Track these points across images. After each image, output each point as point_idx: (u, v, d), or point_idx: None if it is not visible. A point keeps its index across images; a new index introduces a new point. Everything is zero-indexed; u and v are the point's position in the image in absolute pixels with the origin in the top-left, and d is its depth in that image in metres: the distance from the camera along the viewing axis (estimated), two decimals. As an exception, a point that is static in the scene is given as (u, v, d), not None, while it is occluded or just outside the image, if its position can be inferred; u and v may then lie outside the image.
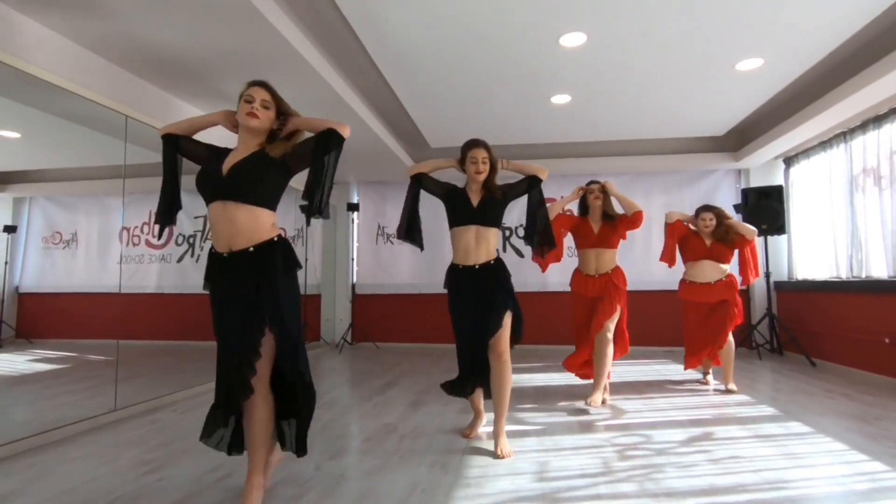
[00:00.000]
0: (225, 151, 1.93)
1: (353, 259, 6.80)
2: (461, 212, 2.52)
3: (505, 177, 2.56)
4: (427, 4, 2.97)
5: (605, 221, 3.35)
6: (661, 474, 2.14)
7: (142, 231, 6.40)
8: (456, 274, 2.55)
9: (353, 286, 6.76)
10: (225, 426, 1.84)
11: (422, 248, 2.72)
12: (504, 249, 6.56)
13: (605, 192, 3.35)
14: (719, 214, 3.80)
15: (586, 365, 3.52)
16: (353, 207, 6.56)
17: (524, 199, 2.65)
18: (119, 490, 2.01)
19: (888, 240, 4.14)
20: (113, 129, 3.66)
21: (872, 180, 4.37)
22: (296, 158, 1.87)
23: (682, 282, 3.95)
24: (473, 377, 2.56)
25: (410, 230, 2.66)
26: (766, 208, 5.20)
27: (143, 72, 3.37)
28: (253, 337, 1.74)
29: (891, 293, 4.03)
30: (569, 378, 4.37)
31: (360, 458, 2.38)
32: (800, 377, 4.28)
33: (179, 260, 6.57)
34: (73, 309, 6.08)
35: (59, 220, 6.09)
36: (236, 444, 1.87)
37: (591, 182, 3.44)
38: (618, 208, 3.43)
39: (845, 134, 4.68)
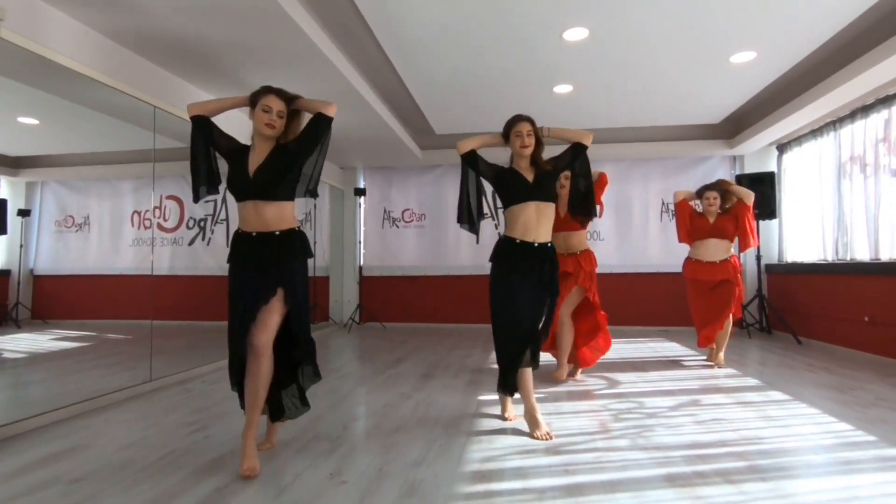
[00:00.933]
0: (245, 149, 2.13)
1: (360, 242, 7.02)
2: (518, 189, 2.45)
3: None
4: (441, 4, 3.14)
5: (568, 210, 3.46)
6: (651, 433, 2.41)
7: (153, 215, 6.61)
8: (514, 249, 2.45)
9: (361, 268, 7.00)
10: (241, 390, 2.10)
11: (478, 237, 2.71)
12: (498, 227, 6.79)
13: (570, 178, 3.43)
14: (722, 191, 3.92)
15: (552, 346, 3.64)
16: (360, 192, 6.76)
17: None
18: (172, 445, 2.27)
19: (871, 224, 4.38)
20: (131, 116, 3.84)
21: (859, 167, 4.59)
22: (301, 150, 2.11)
23: (688, 260, 4.08)
24: (528, 357, 2.45)
25: (470, 215, 2.59)
26: (759, 194, 5.42)
27: (166, 62, 3.53)
28: (264, 295, 2.01)
29: (871, 275, 4.28)
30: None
31: (381, 420, 2.65)
32: (786, 353, 4.55)
33: (191, 243, 6.80)
34: (88, 290, 6.32)
35: (72, 204, 6.30)
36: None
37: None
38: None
39: (835, 123, 4.88)
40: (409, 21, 3.40)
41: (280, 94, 2.11)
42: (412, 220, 7.03)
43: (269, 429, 2.24)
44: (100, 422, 2.64)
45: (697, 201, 4.09)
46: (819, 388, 3.26)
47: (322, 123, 2.11)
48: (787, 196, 5.79)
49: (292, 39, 3.17)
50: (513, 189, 2.47)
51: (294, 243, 2.10)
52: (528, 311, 2.42)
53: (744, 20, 3.39)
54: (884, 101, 4.22)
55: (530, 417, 2.41)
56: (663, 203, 6.49)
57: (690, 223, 4.00)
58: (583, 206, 2.66)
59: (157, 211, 6.63)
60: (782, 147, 5.89)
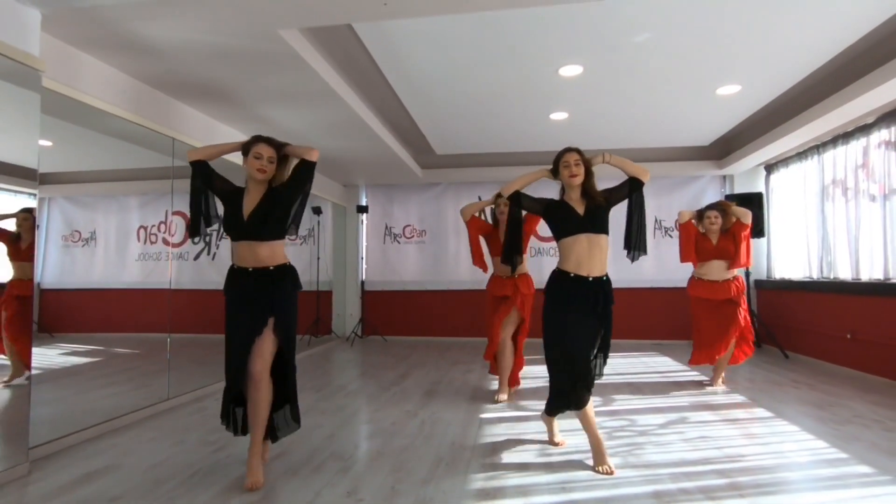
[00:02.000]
0: (239, 191, 2.35)
1: (362, 258, 7.22)
2: (568, 222, 2.46)
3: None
4: (442, 40, 3.36)
5: None
6: (642, 450, 2.60)
7: (158, 230, 6.79)
8: (568, 282, 2.45)
9: (363, 283, 7.19)
10: (234, 415, 2.32)
11: (514, 269, 2.90)
12: (504, 249, 7.00)
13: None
14: (723, 210, 3.97)
15: (495, 361, 3.84)
16: (362, 209, 6.96)
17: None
18: (197, 464, 2.45)
19: (852, 245, 4.61)
20: (145, 142, 4.04)
21: (840, 191, 4.82)
22: (290, 194, 2.33)
23: (692, 279, 4.10)
24: (585, 389, 2.43)
25: (513, 253, 2.71)
26: (747, 213, 5.65)
27: (188, 98, 3.73)
28: (258, 326, 2.23)
29: (853, 293, 4.50)
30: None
31: (389, 438, 2.83)
32: (773, 368, 4.76)
33: (196, 258, 6.98)
34: (94, 304, 6.49)
35: (79, 219, 6.48)
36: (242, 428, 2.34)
37: (499, 195, 3.55)
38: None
39: (818, 147, 5.12)
40: (413, 57, 3.61)
41: (269, 142, 2.32)
42: (413, 236, 7.23)
43: (263, 446, 2.37)
44: (127, 440, 2.82)
45: (693, 221, 4.15)
46: (801, 405, 3.46)
47: (306, 169, 2.33)
48: (775, 215, 6.02)
49: (305, 78, 3.38)
50: (564, 222, 2.47)
51: (286, 277, 2.33)
52: (581, 345, 2.42)
53: (728, 57, 3.62)
54: (862, 130, 4.46)
55: (596, 451, 2.39)
56: (656, 220, 6.71)
57: (696, 243, 4.03)
58: (635, 242, 2.57)
59: (164, 226, 6.81)
60: (770, 168, 6.12)
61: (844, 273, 4.75)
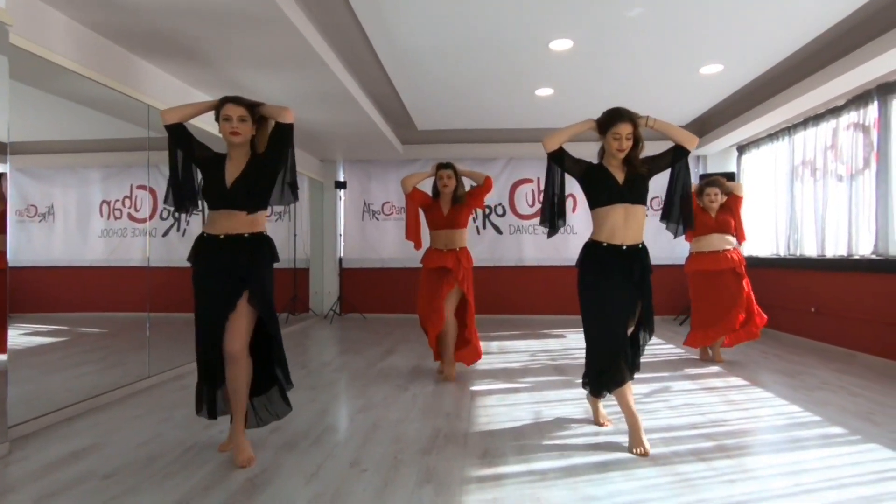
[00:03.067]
0: (221, 158, 2.20)
1: (340, 234, 7.10)
2: (606, 190, 2.32)
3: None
4: (435, 9, 3.27)
5: (454, 205, 3.50)
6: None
7: (123, 205, 6.48)
8: (601, 252, 2.33)
9: (341, 260, 7.10)
10: (210, 397, 2.20)
11: (553, 232, 2.56)
12: (484, 227, 7.02)
13: (456, 175, 3.50)
14: (723, 186, 3.91)
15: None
16: (340, 185, 6.82)
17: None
18: (190, 440, 2.39)
19: (818, 224, 4.83)
20: (107, 107, 3.78)
21: (809, 171, 5.02)
22: (273, 160, 2.18)
23: (690, 255, 4.04)
24: (625, 365, 2.28)
25: (554, 218, 2.49)
26: (720, 193, 5.83)
27: (158, 59, 3.52)
28: (232, 300, 2.07)
29: (817, 269, 4.73)
30: (546, 344, 4.95)
31: (384, 411, 2.83)
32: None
33: (165, 234, 6.72)
34: (54, 282, 6.18)
35: (34, 193, 6.11)
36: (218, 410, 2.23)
37: (441, 167, 3.52)
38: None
39: (789, 129, 5.30)
40: (403, 26, 3.51)
41: (237, 100, 2.16)
42: (392, 213, 7.15)
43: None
44: (108, 419, 2.72)
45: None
46: (772, 374, 3.64)
47: (282, 133, 2.18)
48: (745, 194, 6.22)
49: (289, 42, 3.21)
50: (601, 189, 2.34)
51: (263, 248, 2.18)
52: (620, 318, 2.30)
53: (714, 37, 3.68)
54: (832, 112, 4.63)
55: (634, 433, 2.26)
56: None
57: (696, 219, 3.87)
58: (678, 214, 2.43)
59: (128, 201, 6.51)
60: (742, 148, 6.31)
61: (810, 250, 4.99)
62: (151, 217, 6.88)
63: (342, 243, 7.13)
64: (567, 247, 6.91)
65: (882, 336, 3.95)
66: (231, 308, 2.08)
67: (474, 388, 3.33)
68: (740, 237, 4.01)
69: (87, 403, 2.90)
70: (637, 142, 2.34)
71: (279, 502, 1.81)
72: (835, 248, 4.65)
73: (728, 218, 3.98)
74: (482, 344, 4.90)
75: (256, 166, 2.17)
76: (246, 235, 2.14)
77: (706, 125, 6.08)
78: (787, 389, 3.22)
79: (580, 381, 3.43)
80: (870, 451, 2.23)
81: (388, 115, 5.87)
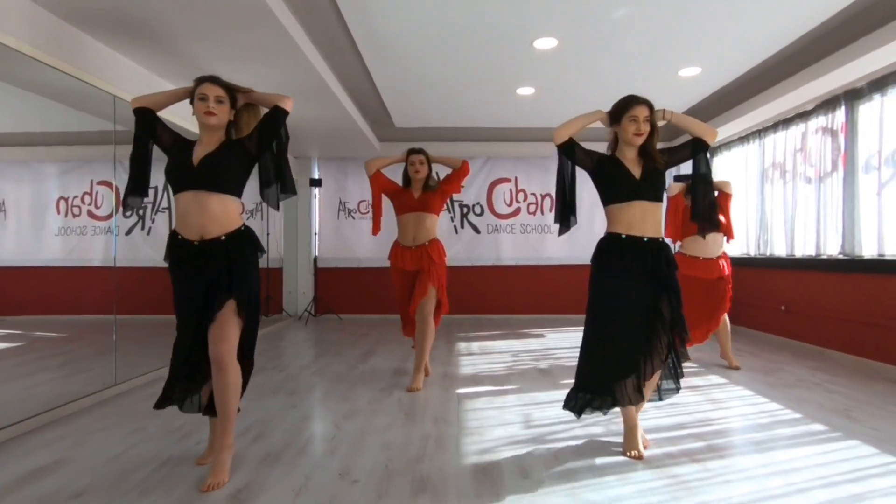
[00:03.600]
0: (190, 144, 2.03)
1: (315, 233, 6.92)
2: (622, 186, 2.15)
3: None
4: (420, 6, 3.19)
5: (425, 191, 3.31)
6: (620, 419, 2.67)
7: (82, 201, 6.14)
8: (619, 244, 2.14)
9: (316, 260, 6.92)
10: (182, 395, 2.06)
11: (566, 229, 2.37)
12: (462, 226, 6.97)
13: (428, 161, 3.33)
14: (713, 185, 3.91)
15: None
16: (315, 183, 6.65)
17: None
18: (165, 453, 2.24)
19: (787, 224, 4.98)
20: (64, 97, 3.53)
21: (779, 173, 5.17)
22: (255, 145, 2.03)
23: (681, 256, 3.85)
24: (625, 381, 2.12)
25: (566, 214, 2.31)
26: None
27: (123, 47, 3.31)
28: (217, 307, 1.90)
29: (787, 269, 4.88)
30: (528, 344, 4.94)
31: (370, 417, 2.74)
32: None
33: (128, 233, 6.40)
34: (3, 283, 5.81)
35: (-19, 189, 5.73)
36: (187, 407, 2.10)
37: (412, 152, 3.35)
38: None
39: (760, 132, 5.45)
40: (386, 19, 3.41)
41: (213, 79, 2.01)
42: (368, 212, 7.01)
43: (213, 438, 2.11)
44: (72, 432, 2.53)
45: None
46: (748, 371, 3.72)
47: (279, 117, 2.05)
48: (734, 191, 6.37)
49: (264, 27, 3.03)
50: (616, 185, 2.17)
51: (245, 247, 1.99)
52: (629, 322, 2.09)
53: (694, 41, 3.73)
54: (801, 116, 4.78)
55: (630, 436, 2.19)
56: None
57: (683, 219, 3.82)
58: (702, 213, 2.30)
59: (88, 197, 6.17)
60: (713, 150, 6.46)
61: (780, 250, 5.14)
62: (113, 215, 6.54)
63: (317, 242, 6.96)
64: (545, 246, 6.94)
65: (850, 334, 4.10)
66: (217, 311, 1.92)
67: (460, 390, 3.27)
68: (729, 235, 4.00)
69: (47, 415, 2.69)
70: (653, 129, 2.17)
71: (267, 519, 1.70)
72: (803, 248, 4.81)
73: (718, 217, 3.89)
74: (463, 344, 4.87)
75: (231, 147, 2.02)
76: (223, 239, 1.94)
77: (679, 128, 6.19)
78: (766, 387, 3.29)
79: (565, 382, 3.45)
80: (853, 447, 2.28)
81: (366, 111, 5.74)
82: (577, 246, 6.91)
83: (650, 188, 2.16)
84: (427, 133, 6.52)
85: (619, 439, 2.37)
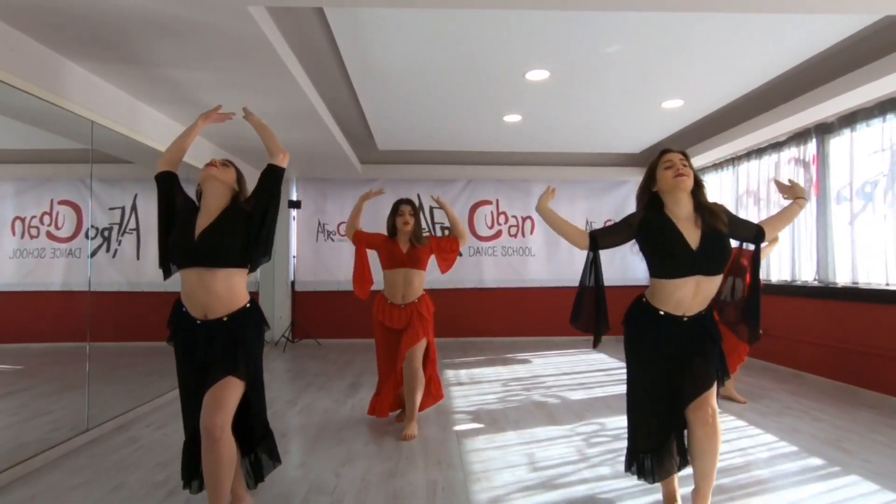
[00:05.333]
0: (195, 209, 1.96)
1: (293, 256, 6.73)
2: (678, 257, 1.83)
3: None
4: (415, 33, 3.16)
5: (413, 245, 3.13)
6: (622, 455, 2.66)
7: (41, 222, 5.79)
8: (655, 322, 1.90)
9: (293, 283, 6.72)
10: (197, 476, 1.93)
11: (597, 342, 2.03)
12: (443, 248, 6.92)
13: (415, 214, 3.14)
14: None
15: (395, 404, 3.27)
16: (294, 204, 6.48)
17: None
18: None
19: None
20: (24, 114, 3.32)
21: (753, 200, 5.37)
22: (256, 208, 1.94)
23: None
24: (670, 447, 1.93)
25: (602, 323, 1.99)
26: (671, 218, 6.10)
27: (103, 71, 3.14)
28: (216, 377, 1.81)
29: (764, 294, 5.01)
30: (515, 371, 4.90)
31: (370, 462, 2.62)
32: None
33: (92, 255, 6.05)
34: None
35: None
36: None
37: (402, 202, 3.18)
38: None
39: (734, 160, 5.65)
40: (379, 46, 3.36)
41: (223, 161, 2.00)
42: (348, 234, 6.89)
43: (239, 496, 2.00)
44: (46, 490, 2.31)
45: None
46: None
47: (276, 175, 1.98)
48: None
49: (262, 61, 2.98)
50: (669, 255, 1.85)
51: (248, 327, 1.88)
52: (659, 393, 1.91)
53: (680, 73, 3.83)
54: (774, 147, 4.98)
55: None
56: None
57: None
58: (756, 317, 2.07)
59: (47, 217, 5.82)
60: (688, 176, 6.66)
61: (755, 274, 5.30)
62: (75, 236, 6.18)
63: (294, 265, 6.76)
64: (526, 269, 6.96)
65: (827, 358, 4.24)
66: (213, 382, 1.80)
67: (457, 428, 3.19)
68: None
69: (10, 473, 2.43)
70: (700, 183, 1.92)
71: None
72: (779, 274, 4.98)
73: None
74: (451, 372, 4.78)
75: (231, 214, 1.91)
76: (225, 320, 1.84)
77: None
78: (756, 416, 3.35)
79: (559, 415, 3.42)
80: (854, 484, 2.33)
81: (349, 133, 5.65)
82: (559, 268, 6.97)
83: (711, 258, 1.83)
84: (409, 156, 6.48)
85: (632, 483, 2.33)
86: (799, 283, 4.68)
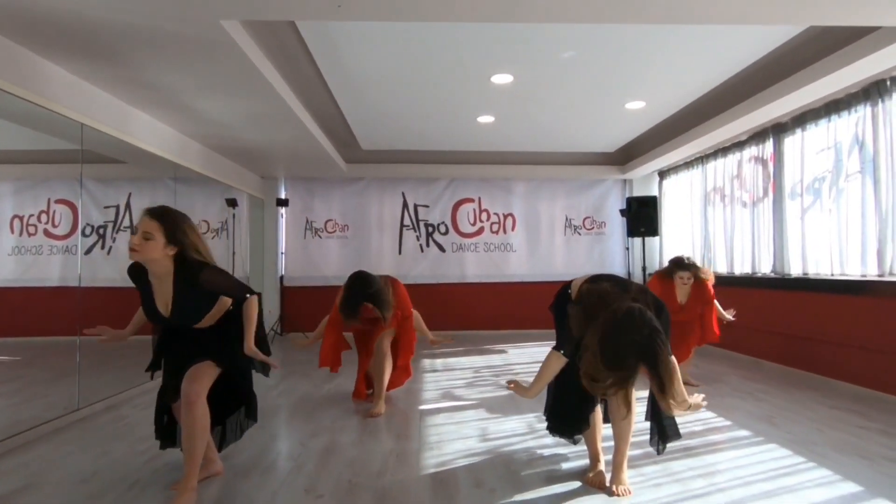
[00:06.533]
0: (145, 274, 2.02)
1: (282, 252, 6.98)
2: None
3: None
4: (384, 42, 3.40)
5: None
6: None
7: (39, 220, 6.03)
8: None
9: (282, 278, 6.97)
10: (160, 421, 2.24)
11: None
12: (427, 245, 7.16)
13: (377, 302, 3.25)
14: (696, 273, 3.77)
15: (370, 385, 3.59)
16: (282, 203, 6.72)
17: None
18: (133, 476, 2.31)
19: (727, 244, 5.39)
20: (15, 116, 3.54)
21: (719, 196, 5.61)
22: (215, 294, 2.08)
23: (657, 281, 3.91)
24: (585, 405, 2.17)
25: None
26: (645, 214, 6.32)
27: (77, 68, 3.33)
28: (197, 359, 2.06)
29: (728, 286, 5.27)
30: (490, 360, 5.14)
31: (336, 435, 2.86)
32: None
33: (88, 252, 6.30)
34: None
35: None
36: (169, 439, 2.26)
37: (361, 303, 3.25)
38: None
39: (702, 158, 5.89)
40: (351, 55, 3.60)
41: (152, 214, 1.96)
42: (335, 231, 7.13)
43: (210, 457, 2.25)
44: (38, 457, 2.55)
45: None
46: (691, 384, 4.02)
47: (252, 309, 2.10)
48: (667, 216, 6.81)
49: (238, 68, 3.21)
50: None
51: (230, 328, 2.11)
52: None
53: (637, 77, 4.07)
54: (737, 146, 5.22)
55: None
56: (566, 219, 7.27)
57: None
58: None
59: (45, 215, 6.07)
60: (663, 174, 6.91)
61: (721, 268, 5.54)
62: (72, 234, 6.43)
63: (283, 261, 7.01)
64: (507, 264, 7.20)
65: (781, 345, 4.48)
66: (194, 362, 2.08)
67: (423, 407, 3.43)
68: (709, 337, 3.87)
69: (8, 442, 2.69)
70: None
71: (236, 534, 1.82)
72: (741, 266, 5.22)
73: (696, 308, 3.81)
74: (426, 361, 5.02)
75: (184, 287, 1.97)
76: (207, 328, 2.13)
77: (631, 152, 6.61)
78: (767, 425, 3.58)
79: (521, 399, 3.63)
80: (770, 450, 2.56)
81: (333, 134, 5.89)
82: (539, 263, 7.22)
83: None
84: (392, 155, 6.72)
85: (568, 449, 2.57)
86: (759, 275, 4.92)
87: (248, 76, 3.35)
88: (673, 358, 1.83)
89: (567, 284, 2.34)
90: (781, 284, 4.57)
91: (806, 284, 4.29)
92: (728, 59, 3.76)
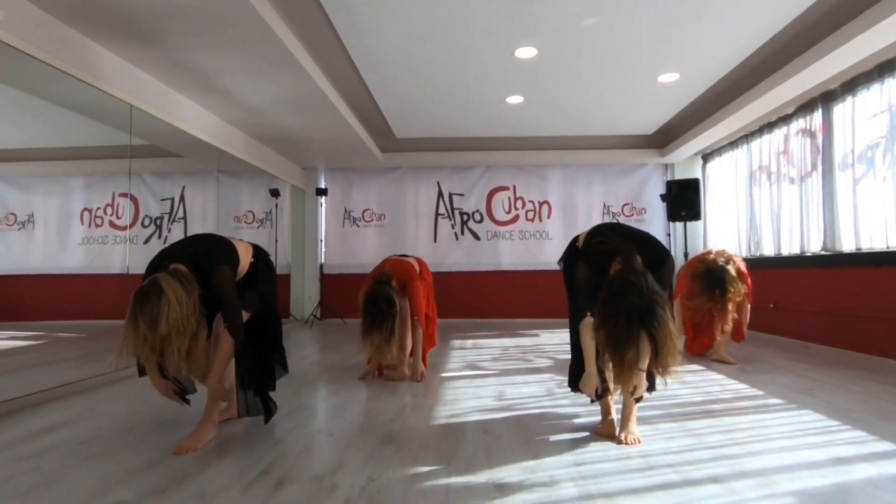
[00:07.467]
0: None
1: (321, 241, 7.23)
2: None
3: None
4: (406, 19, 3.50)
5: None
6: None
7: (105, 212, 6.55)
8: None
9: (322, 266, 7.21)
10: None
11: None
12: (462, 233, 7.20)
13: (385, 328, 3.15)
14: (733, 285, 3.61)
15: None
16: (321, 192, 6.98)
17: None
18: (164, 416, 2.48)
19: (774, 224, 5.10)
20: (89, 110, 3.86)
21: (765, 175, 5.32)
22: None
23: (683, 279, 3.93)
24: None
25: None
26: (686, 198, 6.09)
27: (141, 62, 3.65)
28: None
29: (775, 267, 4.99)
30: (520, 342, 5.10)
31: (355, 392, 2.95)
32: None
33: (146, 241, 6.77)
34: (32, 290, 6.19)
35: (13, 202, 6.17)
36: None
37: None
38: None
39: (747, 136, 5.61)
40: (377, 36, 3.73)
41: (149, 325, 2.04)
42: (372, 220, 7.32)
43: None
44: (86, 401, 2.79)
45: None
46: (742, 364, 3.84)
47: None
48: (710, 199, 6.53)
49: (263, 42, 3.35)
50: None
51: (257, 273, 2.32)
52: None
53: (668, 45, 3.95)
54: (783, 119, 4.95)
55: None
56: (605, 206, 7.10)
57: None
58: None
59: (109, 208, 6.58)
60: (706, 157, 6.63)
61: (768, 250, 5.25)
62: (133, 225, 6.94)
63: (323, 249, 7.26)
64: (542, 252, 7.12)
65: (831, 327, 4.19)
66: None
67: (444, 374, 3.47)
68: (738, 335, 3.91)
69: (64, 389, 2.96)
70: None
71: (245, 456, 1.92)
72: (790, 247, 4.92)
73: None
74: (457, 342, 5.05)
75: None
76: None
77: (670, 134, 6.39)
78: (740, 373, 3.41)
79: (542, 367, 3.61)
80: (802, 415, 2.41)
81: (368, 123, 6.07)
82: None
83: None
84: (427, 143, 6.82)
85: (583, 409, 2.53)
86: (808, 253, 4.62)
87: (279, 55, 3.53)
88: (672, 325, 1.83)
89: (575, 238, 2.34)
90: (832, 261, 4.28)
91: (860, 259, 3.99)
92: (766, 19, 3.55)
